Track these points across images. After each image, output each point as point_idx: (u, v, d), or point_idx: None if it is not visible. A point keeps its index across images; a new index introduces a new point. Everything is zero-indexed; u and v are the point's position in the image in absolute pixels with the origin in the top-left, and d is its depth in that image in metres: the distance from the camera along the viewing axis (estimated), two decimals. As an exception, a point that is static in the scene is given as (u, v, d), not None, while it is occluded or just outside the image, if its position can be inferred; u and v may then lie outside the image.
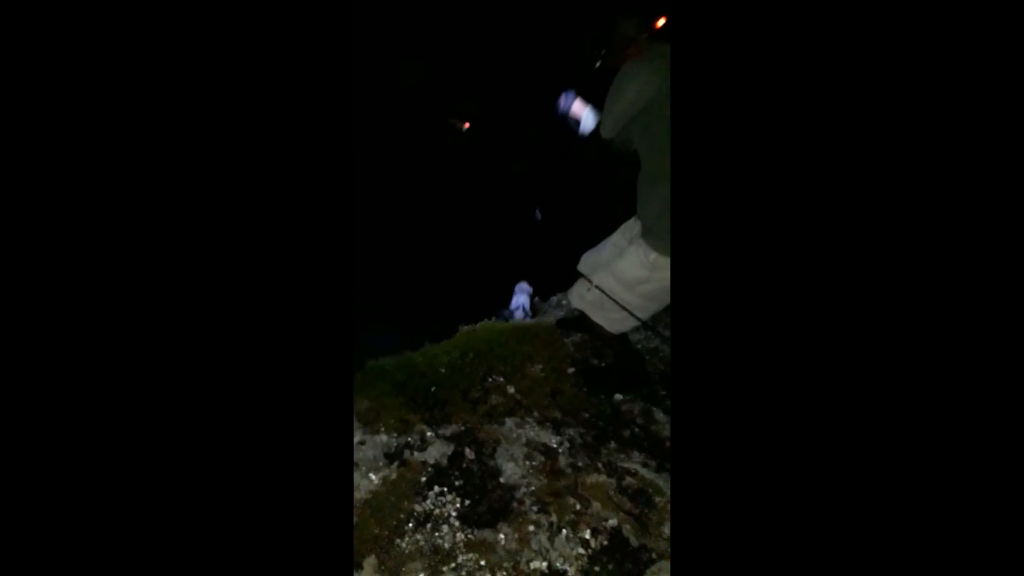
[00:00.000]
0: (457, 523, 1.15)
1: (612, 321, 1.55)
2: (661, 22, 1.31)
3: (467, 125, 2.40)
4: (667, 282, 1.39)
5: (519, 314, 2.19)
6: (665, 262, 1.36)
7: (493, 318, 2.02)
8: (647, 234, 1.40)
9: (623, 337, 1.71)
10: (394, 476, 1.23)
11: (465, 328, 1.80)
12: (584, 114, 1.44)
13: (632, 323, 1.55)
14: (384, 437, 1.34)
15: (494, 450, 1.34)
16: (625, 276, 1.47)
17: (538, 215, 1.72)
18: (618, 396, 1.66)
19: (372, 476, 1.23)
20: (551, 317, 2.04)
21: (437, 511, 1.17)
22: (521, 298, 2.22)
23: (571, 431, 1.46)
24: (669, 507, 1.27)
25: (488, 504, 1.19)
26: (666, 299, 1.46)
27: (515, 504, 1.20)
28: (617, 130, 1.33)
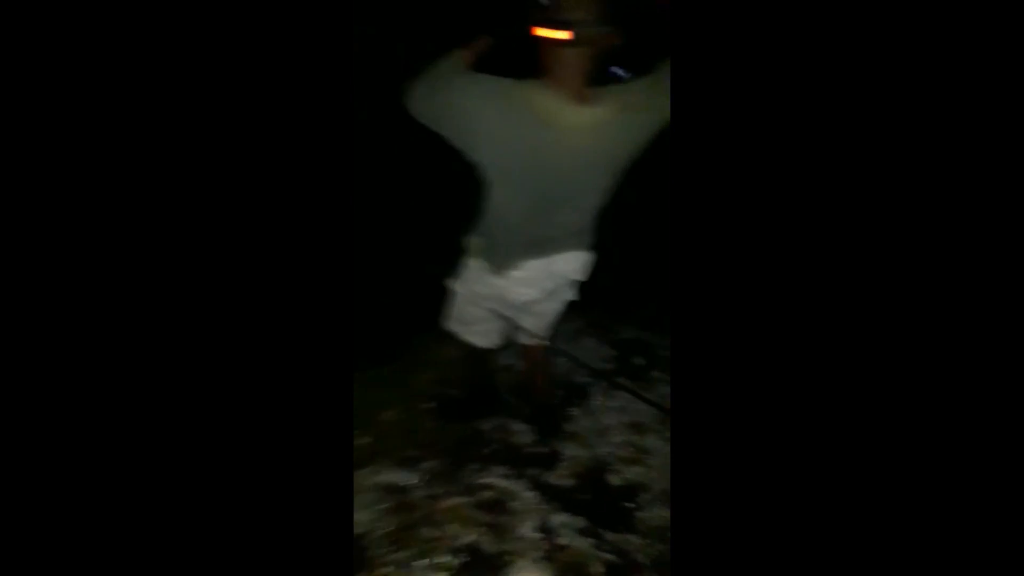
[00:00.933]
0: (308, 589, 1.10)
1: (475, 334, 1.52)
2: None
3: None
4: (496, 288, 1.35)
5: None
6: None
7: None
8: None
9: (482, 358, 1.71)
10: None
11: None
12: None
13: (493, 333, 1.51)
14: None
15: (346, 503, 1.31)
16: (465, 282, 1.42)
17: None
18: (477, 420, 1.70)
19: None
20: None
21: (286, 583, 1.11)
22: None
23: (428, 464, 1.47)
24: (524, 508, 1.32)
25: (340, 559, 1.16)
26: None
27: (368, 551, 1.17)
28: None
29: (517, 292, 1.33)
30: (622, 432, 1.65)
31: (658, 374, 1.94)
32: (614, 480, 1.48)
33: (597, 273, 1.39)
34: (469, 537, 1.21)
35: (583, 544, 1.23)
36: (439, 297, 1.54)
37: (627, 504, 1.41)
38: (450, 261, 1.44)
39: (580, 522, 1.29)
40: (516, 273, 1.28)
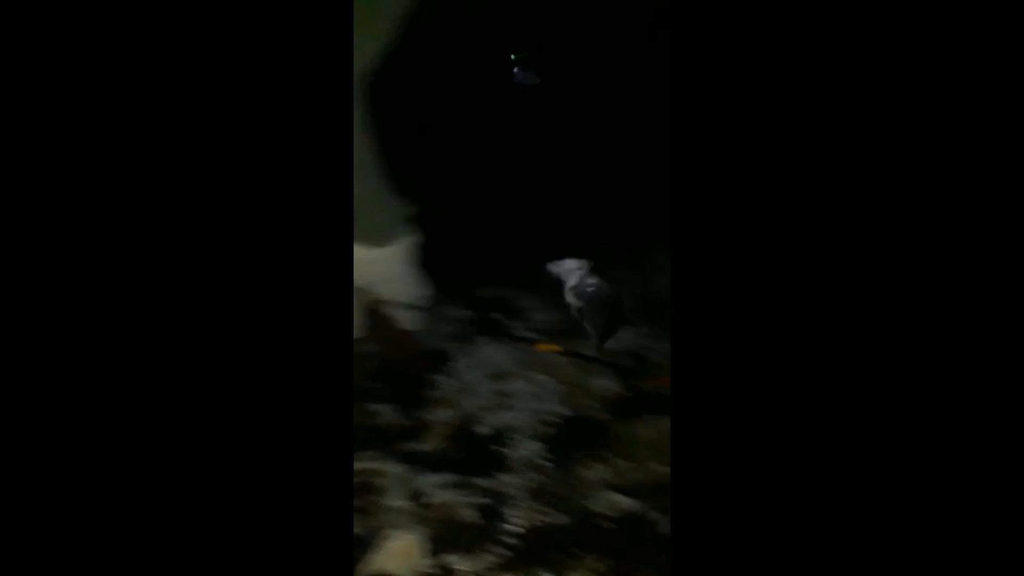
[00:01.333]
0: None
1: None
2: None
3: None
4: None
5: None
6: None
7: None
8: None
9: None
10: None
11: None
12: None
13: None
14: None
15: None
16: None
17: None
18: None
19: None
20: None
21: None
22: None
23: (290, 470, 1.39)
24: (393, 484, 1.30)
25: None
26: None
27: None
28: None
29: None
30: (485, 383, 1.68)
31: (516, 323, 2.01)
32: (482, 430, 1.51)
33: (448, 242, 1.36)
34: (336, 527, 1.17)
35: (453, 497, 1.24)
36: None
37: (498, 448, 1.44)
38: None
39: (449, 478, 1.30)
40: None
